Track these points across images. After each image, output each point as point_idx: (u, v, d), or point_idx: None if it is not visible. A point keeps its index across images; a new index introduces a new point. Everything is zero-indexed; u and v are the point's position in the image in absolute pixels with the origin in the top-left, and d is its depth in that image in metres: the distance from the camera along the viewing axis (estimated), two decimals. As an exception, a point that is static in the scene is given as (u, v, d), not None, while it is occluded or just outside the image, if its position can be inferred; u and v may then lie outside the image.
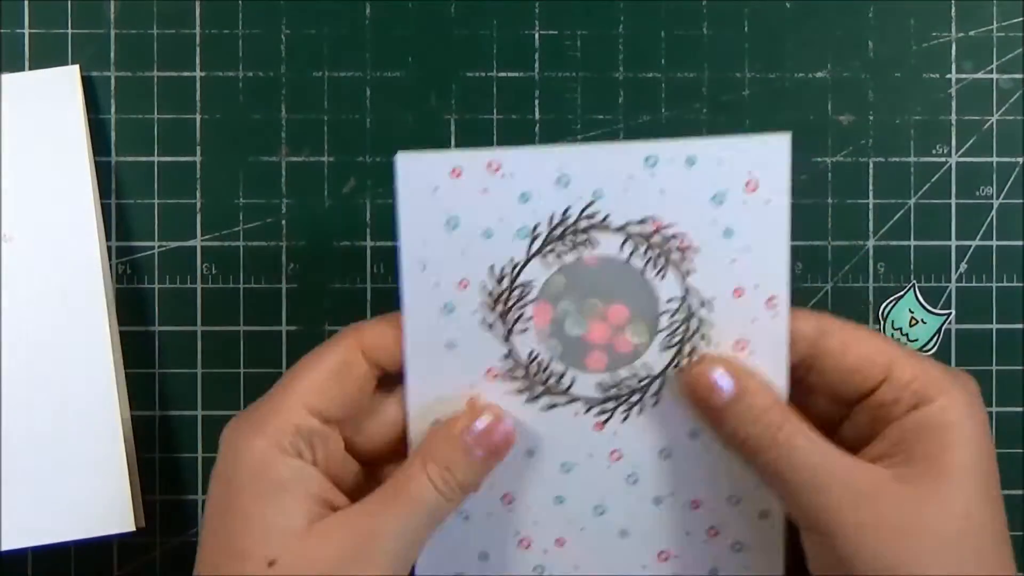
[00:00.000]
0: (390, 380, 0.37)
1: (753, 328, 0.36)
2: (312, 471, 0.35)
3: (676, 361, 0.37)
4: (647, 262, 0.36)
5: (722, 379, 0.35)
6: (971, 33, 0.45)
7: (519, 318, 0.37)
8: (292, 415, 0.35)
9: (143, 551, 0.44)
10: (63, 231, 0.43)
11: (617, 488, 0.38)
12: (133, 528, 0.43)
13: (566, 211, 0.36)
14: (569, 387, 0.37)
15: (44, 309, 0.43)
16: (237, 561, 0.34)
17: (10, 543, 0.42)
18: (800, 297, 0.44)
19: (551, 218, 0.36)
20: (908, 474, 0.34)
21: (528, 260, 0.36)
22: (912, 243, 0.45)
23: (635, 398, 0.37)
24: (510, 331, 0.37)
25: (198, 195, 0.44)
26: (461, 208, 0.36)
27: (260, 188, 0.44)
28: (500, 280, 0.36)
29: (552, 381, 0.37)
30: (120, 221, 0.44)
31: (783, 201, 0.36)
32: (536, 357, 0.37)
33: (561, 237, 0.36)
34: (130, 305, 0.44)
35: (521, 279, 0.36)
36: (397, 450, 0.37)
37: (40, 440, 0.42)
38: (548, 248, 0.36)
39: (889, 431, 0.35)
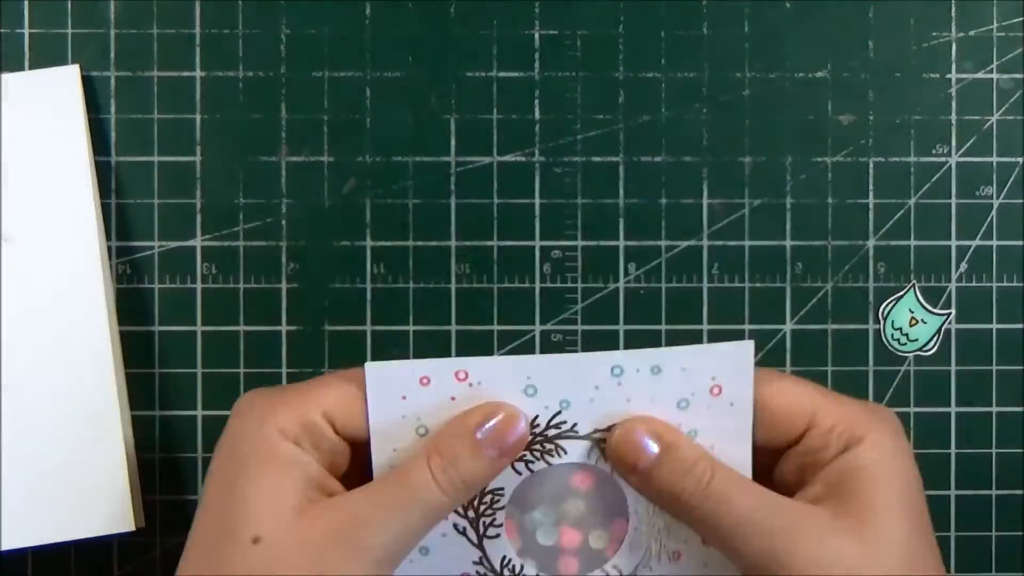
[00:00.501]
0: None
1: None
2: (312, 462, 0.34)
3: (646, 560, 0.37)
4: (615, 468, 0.36)
5: (646, 440, 0.35)
6: (971, 33, 0.45)
7: (490, 524, 0.36)
8: (307, 411, 0.34)
9: (143, 551, 0.44)
10: (63, 231, 0.43)
11: None
12: (133, 528, 0.43)
13: (534, 420, 0.36)
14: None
15: (44, 309, 0.43)
16: (223, 536, 0.33)
17: (10, 543, 0.42)
18: (800, 297, 0.44)
19: None
20: (844, 511, 0.34)
21: None
22: (912, 243, 0.45)
23: None
24: (482, 537, 0.36)
25: (198, 195, 0.44)
26: (430, 415, 0.35)
27: (260, 188, 0.44)
28: None
29: None
30: (120, 221, 0.44)
31: (747, 404, 0.36)
32: (509, 563, 0.37)
33: (529, 446, 0.36)
34: (130, 305, 0.44)
35: (491, 486, 0.36)
36: None
37: (40, 440, 0.42)
38: (518, 456, 0.36)
39: (823, 475, 0.35)
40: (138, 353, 0.44)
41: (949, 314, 0.45)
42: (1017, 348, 0.45)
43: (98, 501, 0.42)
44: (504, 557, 0.37)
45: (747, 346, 0.35)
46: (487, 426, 0.35)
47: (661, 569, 0.37)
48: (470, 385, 0.35)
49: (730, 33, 0.44)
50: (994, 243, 0.45)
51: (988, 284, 0.45)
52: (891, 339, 0.45)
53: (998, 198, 0.45)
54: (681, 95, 0.44)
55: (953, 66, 0.45)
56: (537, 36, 0.44)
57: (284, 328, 0.44)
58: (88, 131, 0.44)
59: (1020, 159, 0.45)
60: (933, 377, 0.45)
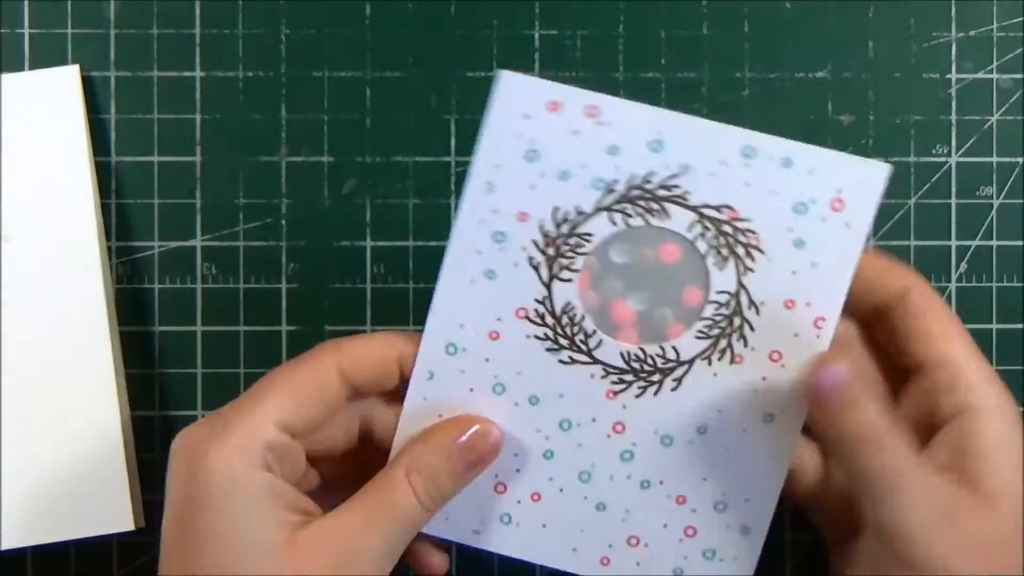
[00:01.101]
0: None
1: (793, 343, 0.36)
2: (283, 484, 0.34)
3: (707, 353, 0.36)
4: (710, 248, 0.36)
5: (837, 375, 0.34)
6: (971, 33, 0.45)
7: (567, 266, 0.36)
8: (262, 429, 0.34)
9: (143, 551, 0.44)
10: (63, 231, 0.43)
11: (609, 460, 0.37)
12: (133, 528, 0.43)
13: (648, 175, 0.35)
14: (593, 349, 0.37)
15: (44, 309, 0.43)
16: None
17: (10, 543, 0.42)
18: (800, 297, 0.44)
19: (631, 178, 0.35)
20: (973, 494, 0.35)
21: (596, 212, 0.36)
22: (912, 243, 0.45)
23: (655, 378, 0.37)
24: (553, 277, 0.36)
25: (198, 195, 0.44)
26: (546, 143, 0.35)
27: (260, 188, 0.44)
28: (560, 224, 0.36)
29: (579, 339, 0.36)
30: (120, 221, 0.44)
31: (864, 228, 0.35)
32: (570, 310, 0.36)
33: (635, 200, 0.35)
34: (130, 305, 0.44)
35: (581, 229, 0.36)
36: (347, 454, 0.38)
37: (40, 440, 0.42)
38: (619, 207, 0.35)
39: (945, 439, 0.36)
40: (138, 353, 0.44)
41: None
42: (1017, 348, 0.45)
43: (98, 501, 0.42)
44: (568, 303, 0.36)
45: (882, 168, 0.35)
46: (462, 441, 0.35)
47: (718, 368, 0.37)
48: (598, 123, 0.35)
49: (730, 33, 0.44)
50: (994, 243, 0.45)
51: (988, 284, 0.45)
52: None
53: (998, 198, 0.45)
54: (681, 95, 0.44)
55: (953, 66, 0.45)
56: (537, 36, 0.44)
57: (284, 328, 0.44)
58: (88, 131, 0.44)
59: (1020, 159, 0.45)
60: (933, 377, 0.45)
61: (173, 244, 0.44)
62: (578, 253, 0.36)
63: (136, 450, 0.44)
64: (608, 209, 0.35)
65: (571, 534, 0.38)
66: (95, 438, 0.42)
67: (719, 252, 0.36)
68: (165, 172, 0.44)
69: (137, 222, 0.44)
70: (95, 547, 0.44)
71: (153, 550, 0.44)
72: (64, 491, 0.42)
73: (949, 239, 0.45)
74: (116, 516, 0.42)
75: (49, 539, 0.42)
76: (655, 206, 0.35)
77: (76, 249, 0.43)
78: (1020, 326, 0.45)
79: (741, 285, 0.36)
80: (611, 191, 0.35)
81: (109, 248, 0.44)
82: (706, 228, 0.35)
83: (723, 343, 0.36)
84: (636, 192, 0.35)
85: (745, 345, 0.36)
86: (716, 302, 0.36)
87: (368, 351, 0.36)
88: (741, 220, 0.35)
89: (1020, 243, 0.45)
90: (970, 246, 0.45)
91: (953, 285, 0.45)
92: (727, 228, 0.35)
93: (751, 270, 0.36)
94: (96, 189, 0.44)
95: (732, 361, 0.36)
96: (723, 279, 0.36)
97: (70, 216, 0.43)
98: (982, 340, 0.44)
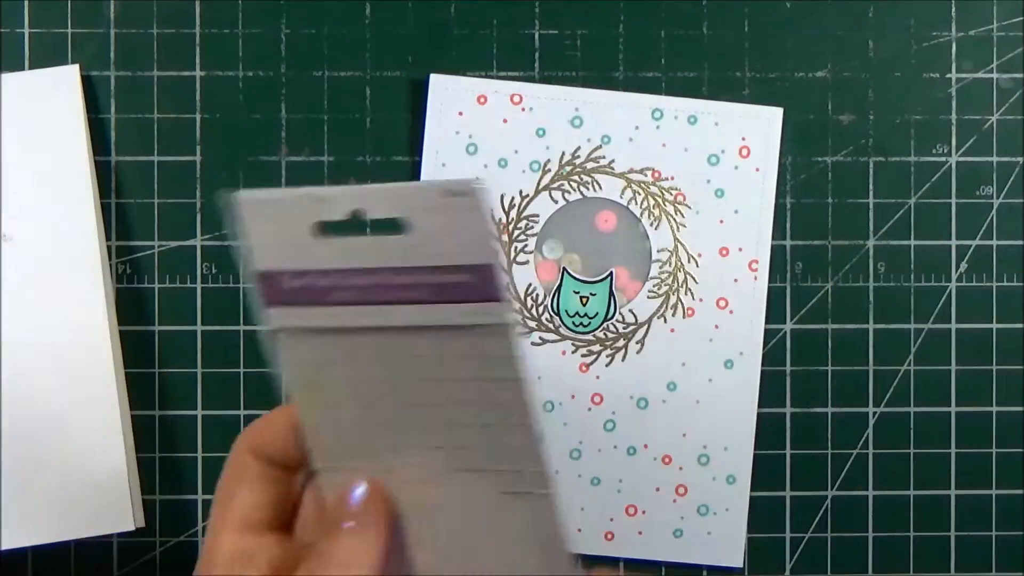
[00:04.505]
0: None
1: (735, 288, 0.39)
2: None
3: (661, 311, 0.40)
4: (643, 210, 0.39)
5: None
6: (971, 33, 0.45)
7: (522, 249, 0.39)
8: (230, 543, 0.31)
9: (143, 551, 0.44)
10: (63, 231, 0.43)
11: (594, 433, 0.40)
12: (133, 528, 0.43)
13: (576, 151, 0.39)
14: (560, 326, 0.40)
15: (44, 309, 0.43)
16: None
17: (10, 543, 0.42)
18: (800, 297, 0.44)
19: (562, 156, 0.39)
20: None
21: (537, 193, 0.39)
22: (912, 243, 0.45)
23: (620, 343, 0.40)
24: (512, 262, 0.39)
25: (198, 195, 0.44)
26: (482, 135, 0.39)
27: (260, 188, 0.44)
28: (508, 210, 0.39)
29: (545, 318, 0.40)
30: (120, 221, 0.44)
31: (772, 169, 0.40)
32: (532, 291, 0.39)
33: (568, 175, 0.39)
34: (130, 305, 0.44)
35: (528, 211, 0.39)
36: None
37: (40, 440, 0.42)
38: (556, 184, 0.39)
39: None
40: (138, 353, 0.44)
41: (610, 273, 0.43)
42: (1017, 348, 0.45)
43: (98, 501, 0.42)
44: (529, 284, 0.40)
45: (775, 112, 0.40)
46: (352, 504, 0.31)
47: (673, 323, 0.40)
48: (522, 109, 0.39)
49: (730, 33, 0.44)
50: (994, 243, 0.45)
51: (988, 284, 0.45)
52: (574, 327, 0.42)
53: (998, 198, 0.45)
54: (681, 95, 0.44)
55: (953, 66, 0.45)
56: (537, 36, 0.44)
57: (284, 328, 0.44)
58: (88, 131, 0.44)
59: (1020, 159, 0.45)
60: (933, 377, 0.45)
61: (173, 244, 0.44)
62: (529, 235, 0.39)
63: (136, 450, 0.44)
64: (547, 188, 0.39)
65: (573, 514, 0.40)
66: (95, 438, 0.42)
67: (651, 213, 0.39)
68: (165, 172, 0.44)
69: (137, 222, 0.44)
70: (95, 547, 0.44)
71: (153, 550, 0.44)
72: (65, 491, 0.42)
73: (949, 239, 0.45)
74: (116, 516, 0.42)
75: (49, 539, 0.42)
76: (587, 178, 0.39)
77: (76, 249, 0.43)
78: (1020, 326, 0.45)
79: (677, 240, 0.39)
80: (547, 171, 0.39)
81: (109, 248, 0.44)
82: (636, 192, 0.39)
83: (673, 299, 0.39)
84: (568, 168, 0.39)
85: (693, 297, 0.39)
86: (659, 260, 0.39)
87: (269, 427, 0.32)
88: (664, 179, 0.39)
89: (1020, 243, 0.45)
90: (970, 246, 0.45)
91: (953, 285, 0.45)
92: (654, 189, 0.39)
93: (683, 226, 0.39)
94: (96, 189, 0.44)
95: (685, 315, 0.40)
96: (660, 238, 0.39)
97: (70, 216, 0.43)
98: (982, 340, 0.44)
